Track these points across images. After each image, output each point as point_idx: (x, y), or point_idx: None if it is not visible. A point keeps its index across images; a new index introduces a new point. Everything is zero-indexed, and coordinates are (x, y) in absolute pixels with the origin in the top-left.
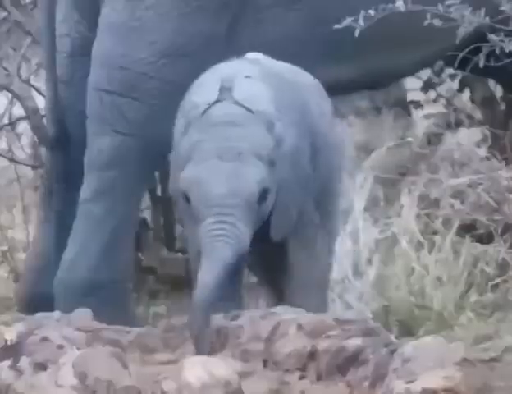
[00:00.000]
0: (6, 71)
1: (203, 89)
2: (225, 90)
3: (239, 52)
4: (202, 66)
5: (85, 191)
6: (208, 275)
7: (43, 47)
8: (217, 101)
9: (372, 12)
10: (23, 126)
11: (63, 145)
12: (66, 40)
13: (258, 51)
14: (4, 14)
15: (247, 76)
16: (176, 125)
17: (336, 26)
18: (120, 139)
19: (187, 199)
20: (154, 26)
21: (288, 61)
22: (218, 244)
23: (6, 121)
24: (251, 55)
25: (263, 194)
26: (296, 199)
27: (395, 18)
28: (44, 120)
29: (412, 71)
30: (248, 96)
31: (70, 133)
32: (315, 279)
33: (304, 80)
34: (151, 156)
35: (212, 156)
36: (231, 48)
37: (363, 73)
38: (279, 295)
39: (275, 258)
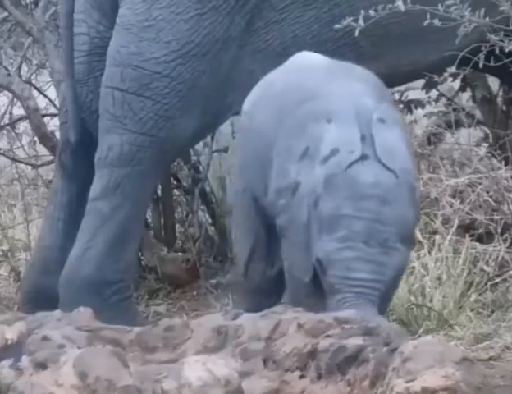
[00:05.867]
0: (7, 70)
1: (339, 125)
2: (366, 142)
3: (254, 54)
4: (216, 66)
5: (94, 188)
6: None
7: (62, 48)
8: (361, 158)
9: (372, 12)
10: (23, 126)
11: (85, 147)
12: (84, 39)
13: (274, 51)
14: (5, 14)
15: (381, 120)
16: (289, 142)
17: (337, 26)
18: (131, 137)
19: (320, 264)
20: (169, 26)
21: None
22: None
23: (6, 120)
24: (309, 55)
25: (402, 271)
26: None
27: (420, 13)
28: (45, 119)
29: (435, 68)
30: (388, 152)
31: (89, 133)
32: None
33: None
34: (162, 155)
35: (359, 239)
36: (247, 48)
37: (382, 71)
38: None
39: None
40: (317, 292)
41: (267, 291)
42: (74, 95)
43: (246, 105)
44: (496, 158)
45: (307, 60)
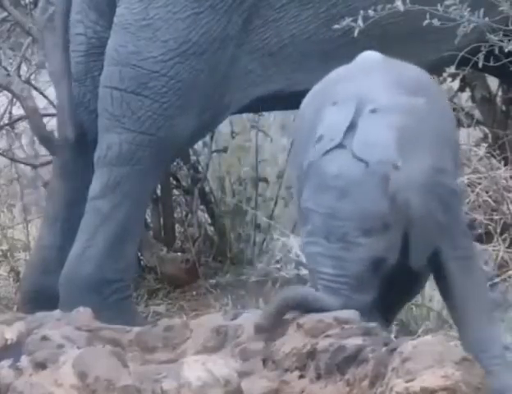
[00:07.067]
0: (7, 70)
1: (338, 111)
2: (349, 132)
3: (252, 53)
4: (214, 65)
5: (94, 188)
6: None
7: (57, 47)
8: (338, 147)
9: (371, 12)
10: (23, 126)
11: (84, 146)
12: (81, 39)
13: (272, 50)
14: (4, 14)
15: (373, 111)
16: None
17: (336, 26)
18: (130, 136)
19: None
20: (166, 25)
21: (302, 61)
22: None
23: (6, 120)
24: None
25: (376, 263)
26: (437, 226)
27: (419, 13)
28: (44, 119)
29: (434, 68)
30: (366, 144)
31: (84, 132)
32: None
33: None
34: (161, 154)
35: (320, 235)
36: (244, 47)
37: None
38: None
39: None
40: None
41: None
42: (70, 93)
43: (302, 105)
44: (495, 158)
45: (362, 59)
